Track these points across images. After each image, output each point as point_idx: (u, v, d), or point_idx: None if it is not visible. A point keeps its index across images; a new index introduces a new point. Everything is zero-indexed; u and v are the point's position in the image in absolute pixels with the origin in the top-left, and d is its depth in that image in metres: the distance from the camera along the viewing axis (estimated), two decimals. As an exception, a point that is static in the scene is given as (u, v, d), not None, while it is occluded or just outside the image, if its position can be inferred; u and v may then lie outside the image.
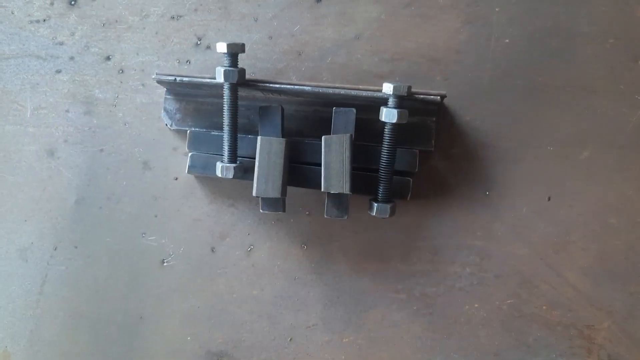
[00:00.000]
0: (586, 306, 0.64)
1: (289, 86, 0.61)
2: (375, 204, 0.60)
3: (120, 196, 0.69)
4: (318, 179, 0.59)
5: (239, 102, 0.61)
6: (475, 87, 0.66)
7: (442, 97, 0.61)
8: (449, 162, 0.66)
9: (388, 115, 0.58)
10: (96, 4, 0.70)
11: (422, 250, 0.66)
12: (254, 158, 0.60)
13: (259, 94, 0.65)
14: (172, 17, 0.70)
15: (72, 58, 0.70)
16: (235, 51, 0.59)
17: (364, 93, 0.60)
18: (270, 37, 0.68)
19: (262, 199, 0.61)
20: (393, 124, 0.59)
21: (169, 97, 0.67)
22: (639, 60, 0.65)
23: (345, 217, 0.61)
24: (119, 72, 0.70)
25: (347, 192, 0.58)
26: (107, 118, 0.70)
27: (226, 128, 0.61)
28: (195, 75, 0.63)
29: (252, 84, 0.62)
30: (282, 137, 0.61)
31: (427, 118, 0.64)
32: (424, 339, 0.66)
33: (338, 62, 0.68)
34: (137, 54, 0.70)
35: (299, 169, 0.64)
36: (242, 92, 0.63)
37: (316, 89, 0.61)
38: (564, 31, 0.66)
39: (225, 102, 0.60)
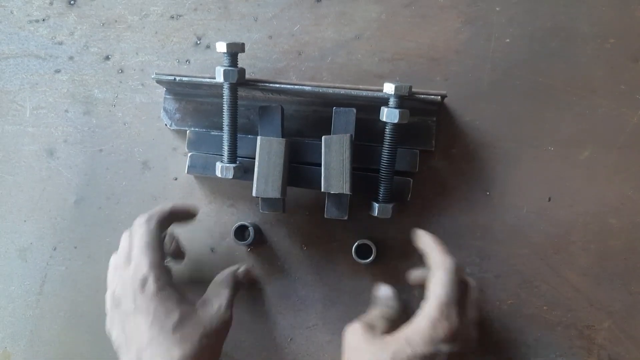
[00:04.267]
0: (586, 306, 0.64)
1: (289, 86, 0.61)
2: (377, 205, 0.60)
3: (120, 196, 0.69)
4: (318, 179, 0.59)
5: (239, 102, 0.61)
6: (475, 87, 0.66)
7: (443, 97, 0.61)
8: (449, 162, 0.66)
9: (390, 115, 0.58)
10: (95, 3, 0.70)
11: (422, 250, 0.66)
12: (254, 158, 0.60)
13: (258, 94, 0.65)
14: (172, 17, 0.69)
15: (71, 58, 0.70)
16: (235, 51, 0.59)
17: (364, 93, 0.60)
18: (270, 37, 0.68)
19: (262, 199, 0.61)
20: (394, 124, 0.58)
21: (168, 97, 0.67)
22: (639, 60, 0.65)
23: (345, 218, 0.61)
24: (118, 71, 0.70)
25: (347, 192, 0.58)
26: (107, 118, 0.70)
27: (226, 128, 0.60)
28: (194, 75, 0.63)
29: (252, 84, 0.62)
30: (282, 137, 0.60)
31: (427, 118, 0.64)
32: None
33: (338, 62, 0.67)
34: (137, 53, 0.70)
35: (299, 169, 0.63)
36: (241, 92, 0.63)
37: (316, 89, 0.61)
38: (564, 31, 0.66)
39: (225, 102, 0.60)
